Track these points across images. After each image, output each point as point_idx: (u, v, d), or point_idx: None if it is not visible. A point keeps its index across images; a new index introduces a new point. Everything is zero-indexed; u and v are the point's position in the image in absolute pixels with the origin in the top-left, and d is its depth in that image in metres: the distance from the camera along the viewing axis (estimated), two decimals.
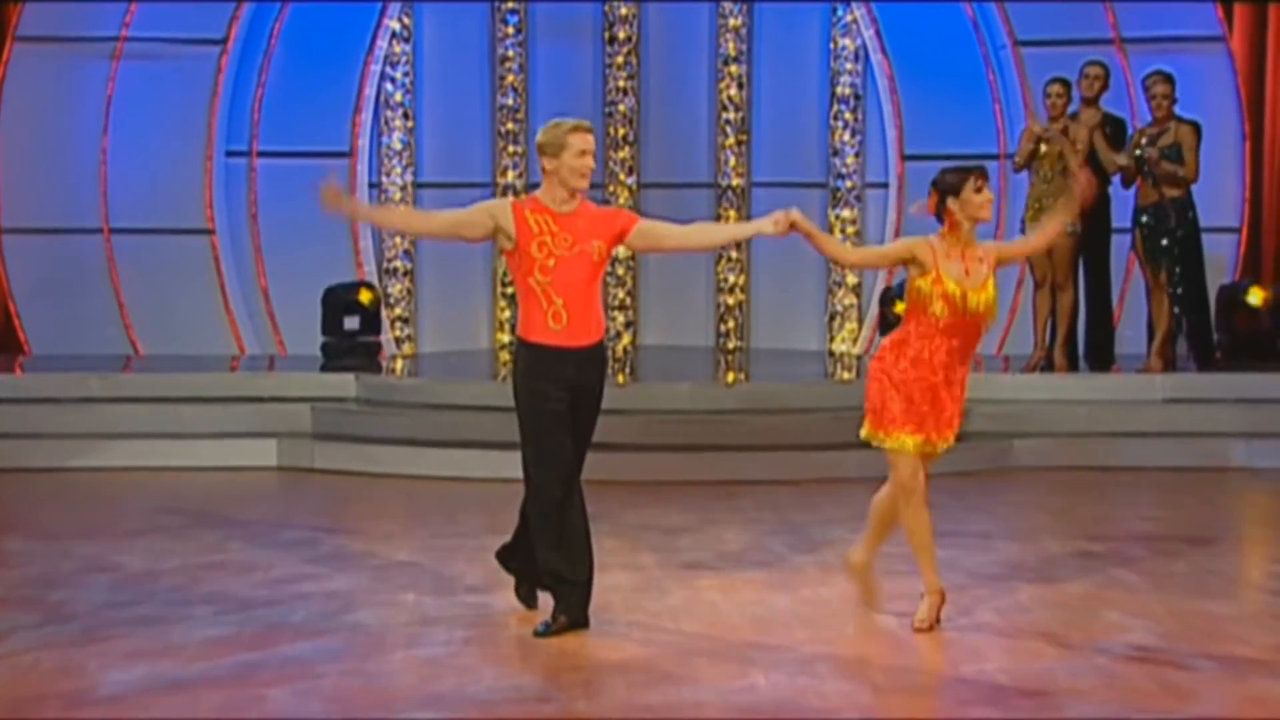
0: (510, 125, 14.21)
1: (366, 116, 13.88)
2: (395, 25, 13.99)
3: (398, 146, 14.11)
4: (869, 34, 13.98)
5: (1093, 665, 5.87)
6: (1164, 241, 11.37)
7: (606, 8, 14.29)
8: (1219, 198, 12.61)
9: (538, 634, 6.27)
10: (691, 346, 14.30)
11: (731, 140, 14.38)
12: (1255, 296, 12.60)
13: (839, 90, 14.22)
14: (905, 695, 5.65)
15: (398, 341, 14.04)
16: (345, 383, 11.69)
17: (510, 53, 14.22)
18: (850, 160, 14.25)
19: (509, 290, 14.13)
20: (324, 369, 12.27)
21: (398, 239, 14.17)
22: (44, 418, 11.17)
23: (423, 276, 14.19)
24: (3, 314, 13.44)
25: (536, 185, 15.04)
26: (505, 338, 14.13)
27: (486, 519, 8.60)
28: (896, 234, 13.87)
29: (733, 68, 14.33)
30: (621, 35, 14.30)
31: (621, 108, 14.32)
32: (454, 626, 6.44)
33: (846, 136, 14.24)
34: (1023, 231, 11.74)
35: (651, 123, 14.43)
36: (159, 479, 10.34)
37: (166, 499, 9.59)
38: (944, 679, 5.88)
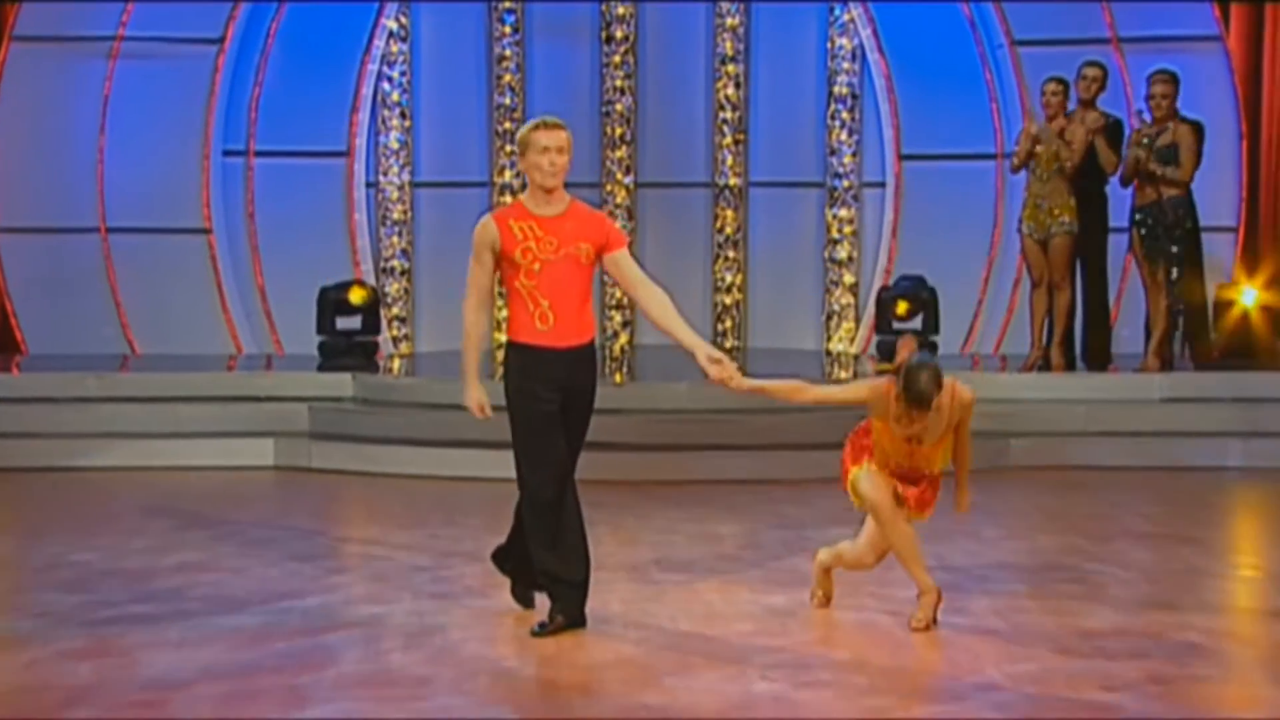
0: (507, 124, 14.22)
1: (364, 116, 13.89)
2: (392, 25, 14.00)
3: (395, 146, 14.12)
4: (866, 33, 13.99)
5: (1090, 665, 5.87)
6: (1161, 241, 11.37)
7: (604, 7, 14.30)
8: (1216, 197, 12.64)
9: (535, 634, 6.27)
10: None
11: (729, 139, 14.39)
12: (1247, 296, 12.63)
13: (836, 90, 14.23)
14: (902, 695, 5.65)
15: (395, 341, 14.04)
16: (342, 382, 11.69)
17: (507, 52, 14.23)
18: (847, 159, 14.26)
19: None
20: (321, 368, 12.27)
21: (395, 238, 14.18)
22: (41, 417, 11.17)
23: (420, 276, 14.20)
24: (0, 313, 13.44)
25: None
26: (503, 337, 14.07)
27: (484, 518, 8.60)
28: (893, 233, 13.90)
29: (730, 67, 14.33)
30: (619, 34, 14.30)
31: (619, 107, 14.32)
32: (451, 626, 6.43)
33: (844, 136, 14.25)
34: (1019, 230, 11.75)
35: (649, 122, 14.44)
36: (156, 478, 10.34)
37: (164, 498, 9.59)
38: (940, 679, 5.88)
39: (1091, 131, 11.34)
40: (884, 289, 13.28)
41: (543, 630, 6.28)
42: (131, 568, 7.56)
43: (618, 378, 12.28)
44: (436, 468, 10.30)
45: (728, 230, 14.46)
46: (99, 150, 13.43)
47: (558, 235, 6.25)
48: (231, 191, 13.80)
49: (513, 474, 6.40)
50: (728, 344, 14.40)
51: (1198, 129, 11.52)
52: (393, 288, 14.13)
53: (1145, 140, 11.40)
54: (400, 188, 14.16)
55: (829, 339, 14.37)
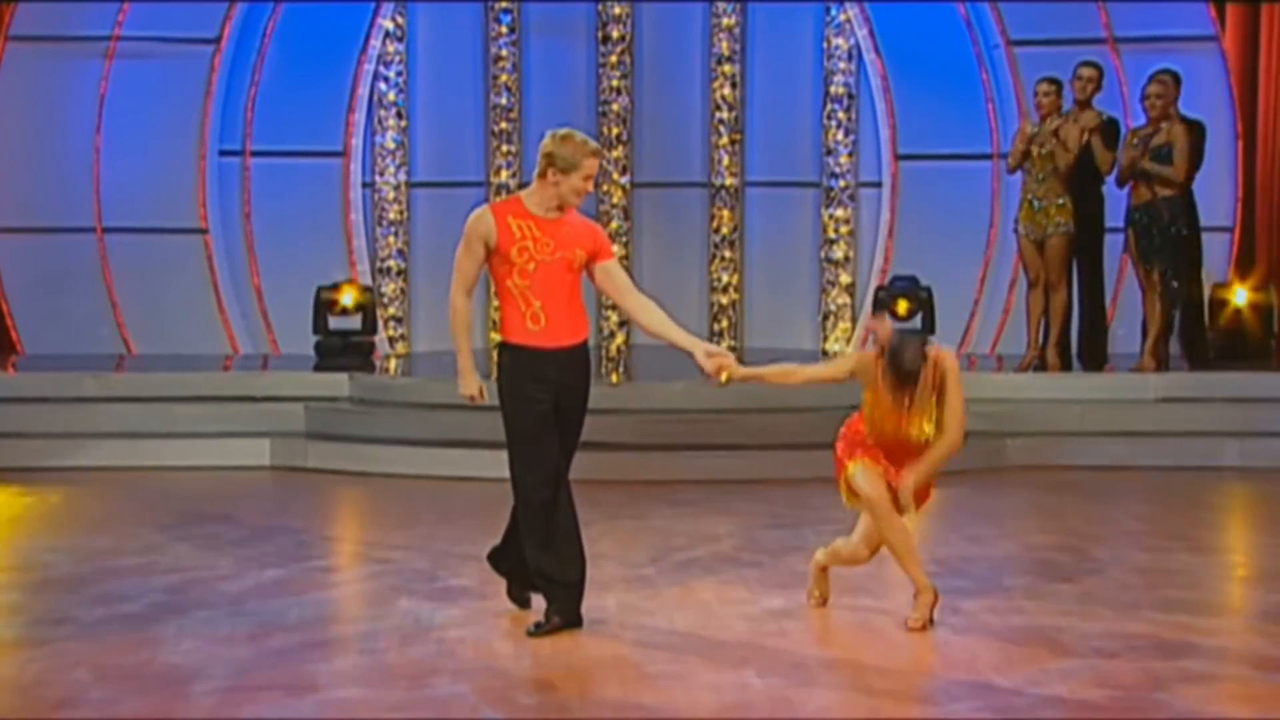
0: (504, 124, 14.22)
1: (360, 116, 13.89)
2: (389, 24, 14.00)
3: (391, 146, 14.12)
4: (862, 33, 13.99)
5: (1086, 665, 5.87)
6: (1157, 241, 11.38)
7: (600, 7, 14.30)
8: (1212, 197, 12.64)
9: (531, 634, 6.27)
10: None
11: (725, 139, 14.39)
12: (1240, 296, 12.64)
13: (832, 90, 14.24)
14: (898, 695, 5.65)
15: (391, 341, 14.04)
16: (338, 382, 11.69)
17: (504, 52, 14.23)
18: (844, 159, 14.26)
19: None
20: (317, 368, 12.27)
21: (391, 238, 14.17)
22: (37, 417, 11.17)
23: (416, 276, 14.19)
24: None
25: (529, 185, 15.07)
26: (499, 337, 14.12)
27: (480, 518, 8.60)
28: (890, 232, 13.90)
29: (726, 67, 14.34)
30: (615, 34, 14.30)
31: (615, 107, 14.32)
32: (447, 626, 6.43)
33: (840, 136, 14.25)
34: (1015, 231, 11.76)
35: (645, 122, 14.44)
36: (152, 478, 10.34)
37: (160, 498, 9.59)
38: (937, 679, 5.88)
39: (1086, 131, 11.35)
40: (880, 289, 13.28)
41: (539, 630, 6.28)
42: (126, 567, 7.56)
43: (614, 378, 12.29)
44: (432, 468, 10.31)
45: (724, 230, 14.46)
46: (95, 150, 13.42)
47: (555, 238, 6.25)
48: (228, 191, 13.79)
49: (506, 476, 6.40)
50: (724, 344, 14.39)
51: (1196, 129, 11.53)
52: (389, 288, 14.13)
53: (1138, 141, 11.41)
54: (396, 188, 14.16)
55: (825, 339, 14.38)
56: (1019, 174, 11.68)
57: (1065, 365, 11.75)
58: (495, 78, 14.25)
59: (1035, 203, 11.45)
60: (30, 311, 13.42)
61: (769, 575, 7.42)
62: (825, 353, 14.15)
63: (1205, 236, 12.21)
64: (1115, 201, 11.76)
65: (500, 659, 6.01)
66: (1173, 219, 11.34)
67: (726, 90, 14.35)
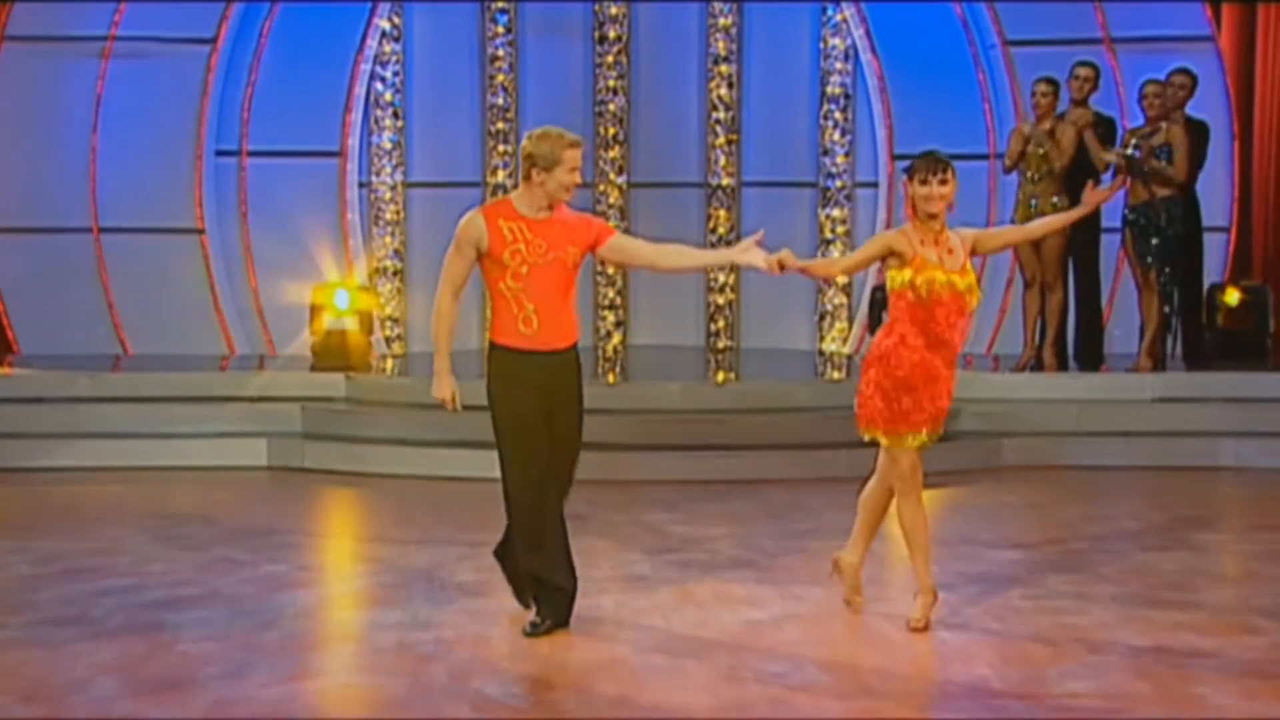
0: (500, 124, 14.21)
1: (356, 116, 13.87)
2: (385, 24, 13.98)
3: (388, 146, 14.10)
4: (859, 33, 13.99)
5: (1083, 665, 5.88)
6: (1153, 241, 11.38)
7: (596, 7, 14.29)
8: (1208, 197, 12.63)
9: (527, 633, 6.27)
10: (682, 346, 14.31)
11: (721, 139, 14.39)
12: (1230, 297, 12.64)
13: (829, 90, 14.24)
14: (896, 696, 5.65)
15: (388, 341, 14.03)
16: (335, 382, 11.68)
17: (500, 52, 14.22)
18: (840, 159, 14.26)
19: None
20: (314, 369, 12.26)
21: (387, 238, 14.17)
22: (33, 417, 11.15)
23: (412, 276, 14.18)
24: None
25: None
26: (490, 338, 14.12)
27: (476, 518, 8.60)
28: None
29: (723, 67, 14.33)
30: (611, 34, 14.30)
31: (611, 107, 14.32)
32: (444, 626, 6.43)
33: (836, 136, 14.25)
34: None
35: (641, 122, 14.43)
36: (149, 478, 10.33)
37: (156, 498, 9.58)
38: (934, 679, 5.89)
39: (1080, 129, 11.36)
40: (876, 289, 13.29)
41: (535, 630, 6.28)
42: (123, 567, 7.56)
43: (611, 378, 12.29)
44: (429, 468, 10.30)
45: (720, 230, 14.45)
46: (91, 150, 13.40)
47: (547, 239, 6.24)
48: (224, 191, 13.77)
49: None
50: (720, 344, 14.39)
51: (1199, 129, 11.54)
52: (385, 288, 14.12)
53: (1136, 140, 11.42)
54: (393, 188, 14.15)
55: (822, 339, 14.37)
56: (1015, 174, 11.67)
57: (1062, 365, 11.75)
58: (492, 78, 14.24)
59: (1031, 203, 11.45)
60: (26, 311, 13.40)
61: (765, 576, 7.42)
62: (821, 353, 14.15)
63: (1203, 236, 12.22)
64: (1112, 201, 11.75)
65: (497, 658, 6.01)
66: (1170, 219, 11.35)
67: (723, 90, 14.34)
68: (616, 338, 14.46)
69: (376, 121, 14.07)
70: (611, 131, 14.34)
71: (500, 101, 14.23)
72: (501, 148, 14.19)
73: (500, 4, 14.21)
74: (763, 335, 14.42)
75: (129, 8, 13.36)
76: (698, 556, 7.86)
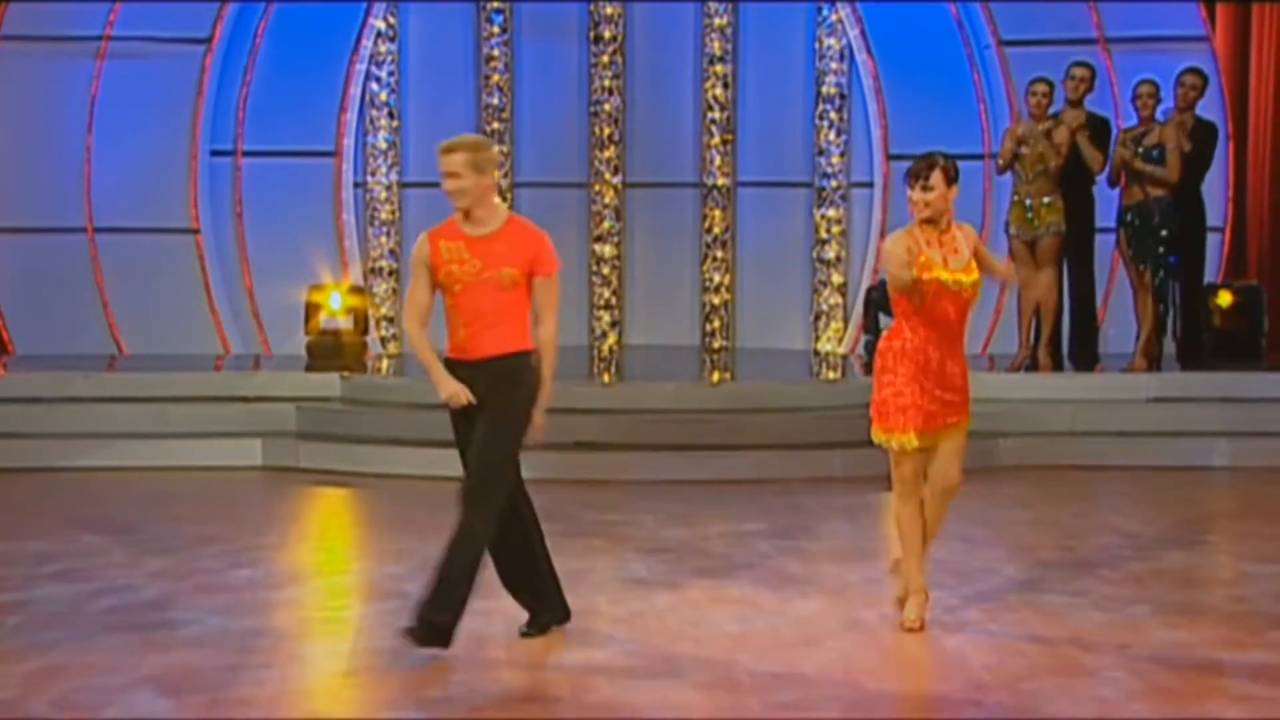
0: (495, 124, 14.21)
1: (352, 116, 13.88)
2: (380, 25, 13.99)
3: (383, 146, 14.11)
4: (854, 33, 14.00)
5: (1077, 664, 5.88)
6: (1148, 241, 11.39)
7: (592, 7, 14.30)
8: (1204, 197, 12.64)
9: (524, 634, 6.28)
10: (677, 346, 14.32)
11: (717, 139, 14.40)
12: (1223, 299, 12.65)
13: (824, 90, 14.24)
14: (890, 695, 5.66)
15: (383, 341, 14.03)
16: (330, 382, 11.68)
17: (495, 52, 14.22)
18: (835, 159, 14.27)
19: None
20: (309, 369, 12.26)
21: (383, 238, 14.17)
22: (28, 417, 11.14)
23: (408, 276, 14.16)
24: None
25: (521, 185, 15.08)
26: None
27: None
28: (881, 233, 13.90)
29: (718, 67, 14.34)
30: (607, 34, 14.30)
31: (607, 107, 14.32)
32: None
33: (832, 136, 14.26)
34: (1006, 231, 11.76)
35: (637, 122, 14.44)
36: (144, 478, 10.32)
37: (151, 498, 9.58)
38: (929, 678, 5.89)
39: (1073, 130, 11.36)
40: (872, 289, 13.30)
41: (531, 631, 6.28)
42: (118, 568, 7.55)
43: (606, 378, 12.29)
44: (424, 468, 10.29)
45: (716, 230, 14.46)
46: (86, 150, 13.40)
47: (483, 258, 6.12)
48: (219, 191, 13.78)
49: (501, 475, 6.38)
50: (715, 344, 14.40)
51: (1207, 130, 11.58)
52: (380, 288, 14.12)
53: (1130, 141, 11.43)
54: (388, 188, 14.15)
55: (817, 339, 14.38)
56: (1009, 174, 11.68)
57: (1057, 365, 11.76)
58: (487, 78, 14.25)
59: (1026, 204, 11.46)
60: (21, 311, 13.40)
61: (761, 576, 7.42)
62: (817, 353, 14.15)
63: None
64: (1106, 202, 11.77)
65: (494, 659, 6.01)
66: (1165, 219, 11.35)
67: (718, 90, 14.35)
68: (612, 338, 14.46)
69: (372, 121, 14.08)
70: (607, 131, 14.34)
71: (495, 101, 14.23)
72: (497, 148, 14.17)
73: (495, 4, 14.22)
74: (758, 335, 14.43)
75: (124, 7, 13.36)
76: (693, 557, 7.86)
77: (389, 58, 14.07)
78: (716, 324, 14.48)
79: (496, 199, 6.25)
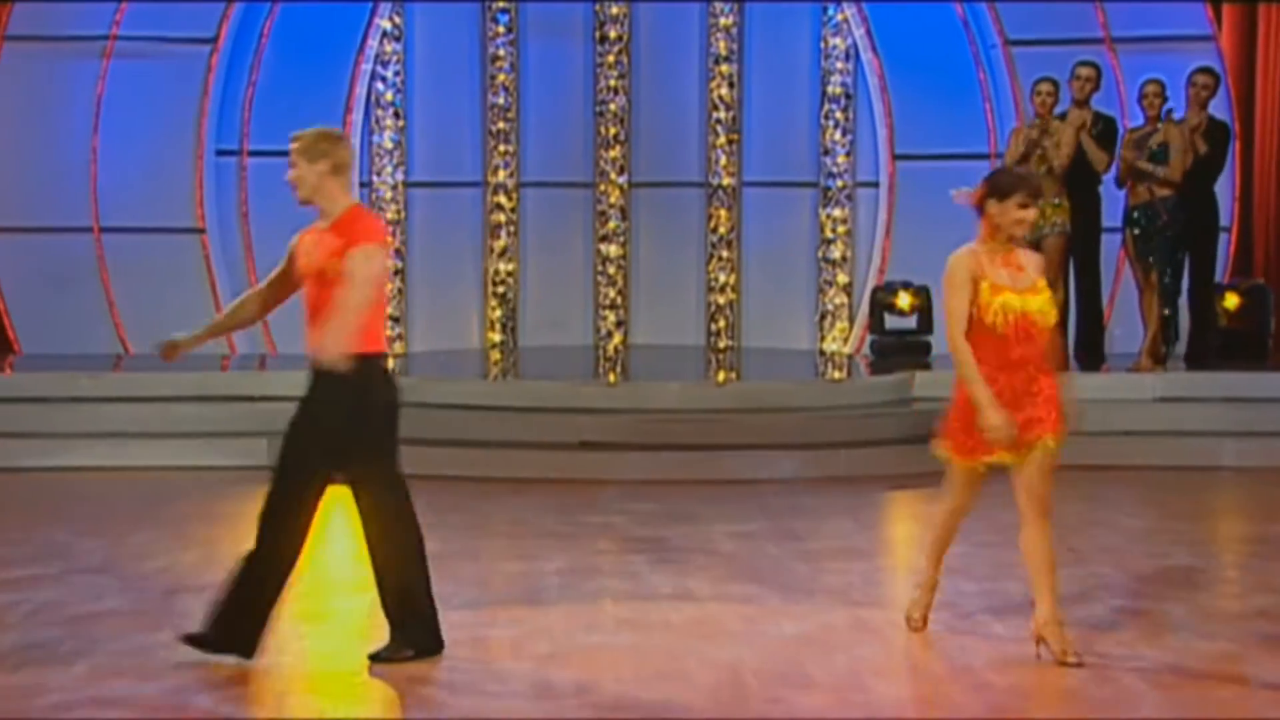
0: (501, 124, 14.21)
1: (357, 115, 13.87)
2: (386, 24, 13.98)
3: (389, 146, 14.11)
4: (859, 33, 13.99)
5: (1085, 666, 5.87)
6: (1154, 241, 11.38)
7: (597, 7, 14.29)
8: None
9: (183, 640, 5.95)
10: (682, 345, 14.30)
11: (722, 139, 14.38)
12: (1229, 301, 12.64)
13: (830, 89, 14.23)
14: (894, 695, 5.65)
15: (388, 340, 14.04)
16: None
17: (501, 52, 14.22)
18: (841, 159, 14.25)
19: (499, 289, 14.17)
20: None
21: (388, 237, 14.17)
22: (34, 417, 11.14)
23: (413, 276, 14.18)
24: None
25: (526, 185, 15.09)
26: (496, 336, 14.15)
27: (476, 517, 8.61)
28: (887, 233, 13.89)
29: (723, 67, 14.33)
30: (612, 34, 14.29)
31: (612, 107, 14.32)
32: (442, 625, 6.42)
33: (837, 135, 14.24)
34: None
35: (642, 122, 14.42)
36: (149, 478, 10.33)
37: (157, 498, 9.59)
38: (933, 678, 5.88)
39: (1077, 130, 11.35)
40: (878, 289, 13.29)
41: (194, 643, 5.87)
42: (123, 567, 7.56)
43: (611, 377, 12.28)
44: (427, 467, 10.25)
45: (721, 230, 14.45)
46: (92, 150, 13.40)
47: (315, 251, 6.15)
48: (225, 191, 13.77)
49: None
50: (721, 344, 14.39)
51: (1220, 130, 11.57)
52: (385, 288, 14.12)
53: (1136, 140, 11.42)
54: (394, 187, 14.15)
55: (823, 339, 14.36)
56: None
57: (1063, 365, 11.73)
58: (493, 77, 14.24)
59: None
60: (27, 311, 13.40)
61: (765, 574, 7.41)
62: (822, 353, 14.13)
63: None
64: (1113, 201, 11.76)
65: (495, 660, 6.00)
66: (1171, 219, 11.34)
67: (724, 90, 14.34)
68: (617, 337, 14.45)
69: (377, 121, 14.08)
70: (612, 131, 14.34)
71: (501, 101, 14.23)
72: (503, 147, 14.19)
73: (501, 4, 14.21)
74: (763, 335, 14.41)
75: (130, 7, 13.36)
76: (697, 557, 7.86)
77: (394, 58, 14.06)
78: (722, 324, 14.47)
79: (341, 192, 6.15)
